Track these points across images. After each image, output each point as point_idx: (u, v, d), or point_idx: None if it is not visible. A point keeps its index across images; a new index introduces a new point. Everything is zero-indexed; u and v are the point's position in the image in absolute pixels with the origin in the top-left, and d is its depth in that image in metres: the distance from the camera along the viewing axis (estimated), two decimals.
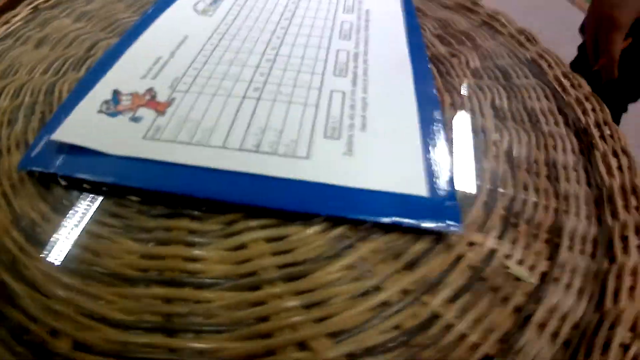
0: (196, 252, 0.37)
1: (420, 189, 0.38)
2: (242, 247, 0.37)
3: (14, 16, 0.67)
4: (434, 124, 0.44)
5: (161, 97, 0.46)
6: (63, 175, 0.41)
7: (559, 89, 0.53)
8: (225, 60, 0.51)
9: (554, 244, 0.38)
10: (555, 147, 0.46)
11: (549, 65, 0.57)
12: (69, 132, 0.43)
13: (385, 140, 0.42)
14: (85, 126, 0.43)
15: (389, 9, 0.63)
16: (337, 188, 0.38)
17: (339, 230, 0.37)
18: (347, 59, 0.52)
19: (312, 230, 0.37)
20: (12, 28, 0.66)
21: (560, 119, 0.50)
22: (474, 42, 0.61)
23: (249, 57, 0.52)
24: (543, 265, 0.37)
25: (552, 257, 0.37)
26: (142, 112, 0.45)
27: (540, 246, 0.38)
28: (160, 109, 0.45)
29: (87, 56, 0.57)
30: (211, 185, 0.39)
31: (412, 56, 0.53)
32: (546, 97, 0.52)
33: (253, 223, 0.38)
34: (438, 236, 0.37)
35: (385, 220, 0.36)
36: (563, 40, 1.11)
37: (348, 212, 0.37)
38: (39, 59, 0.59)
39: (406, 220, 0.36)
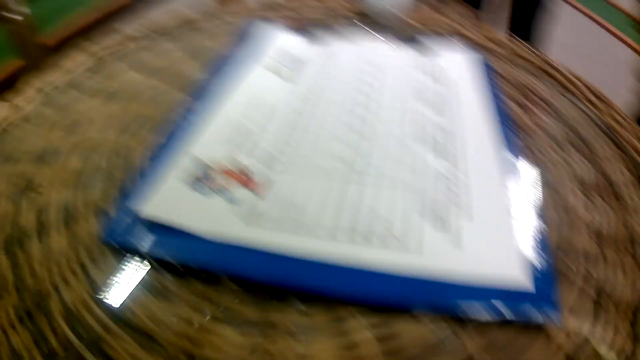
0: (305, 350, 0.35)
1: (522, 281, 0.38)
2: (353, 346, 0.35)
3: (75, 63, 0.65)
4: (527, 205, 0.44)
5: (257, 177, 0.44)
6: (154, 256, 0.39)
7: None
8: (319, 135, 0.50)
9: None
10: None
11: (627, 132, 0.57)
12: (158, 208, 0.41)
13: (488, 228, 0.41)
14: (176, 203, 0.42)
15: (470, 74, 0.61)
16: (446, 283, 0.37)
17: (446, 326, 0.36)
18: (443, 137, 0.50)
19: (420, 327, 0.36)
20: (74, 77, 0.64)
21: None
22: (555, 111, 0.60)
23: (342, 132, 0.50)
24: (630, 347, 0.36)
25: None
26: (239, 192, 0.43)
27: (628, 328, 0.37)
28: (259, 191, 0.43)
29: (165, 118, 0.55)
30: (319, 279, 0.37)
31: (500, 131, 0.52)
32: (628, 168, 0.52)
33: (363, 321, 0.36)
34: (538, 326, 0.37)
35: (492, 314, 0.36)
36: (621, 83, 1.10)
37: (456, 307, 0.36)
38: (111, 115, 0.57)
39: (510, 313, 0.36)
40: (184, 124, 0.51)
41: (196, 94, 0.58)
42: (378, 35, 0.63)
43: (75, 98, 0.61)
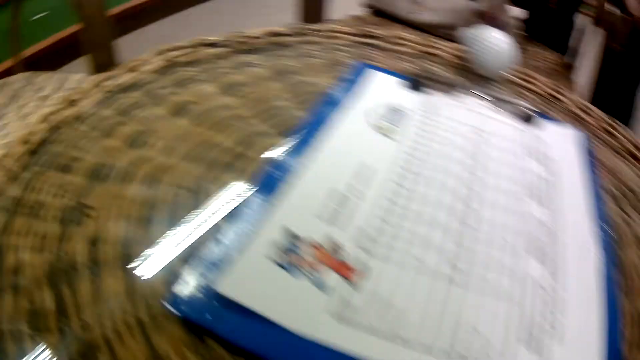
0: None
1: None
2: None
3: (142, 64, 0.58)
4: (623, 334, 0.38)
5: (352, 260, 0.38)
6: (223, 337, 0.33)
7: None
8: (420, 215, 0.43)
9: None
10: None
11: None
12: (236, 285, 0.35)
13: (576, 356, 0.36)
14: (256, 280, 0.36)
15: (573, 157, 0.54)
16: None
17: None
18: (545, 237, 0.44)
19: None
20: (141, 78, 0.57)
21: None
22: None
23: (445, 215, 0.44)
24: None
25: None
26: (331, 278, 0.37)
27: None
28: (353, 279, 0.37)
29: (242, 154, 0.48)
30: None
31: (598, 233, 0.45)
32: None
33: None
34: None
35: None
36: None
37: None
38: (179, 134, 0.50)
39: None
40: (270, 180, 0.44)
41: (281, 130, 0.51)
42: (480, 92, 0.57)
43: (139, 103, 0.54)
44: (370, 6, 1.35)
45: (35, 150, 0.48)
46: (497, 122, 0.54)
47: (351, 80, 0.58)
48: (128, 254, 0.39)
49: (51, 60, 2.07)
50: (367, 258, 0.38)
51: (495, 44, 0.60)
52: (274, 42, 0.65)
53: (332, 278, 0.36)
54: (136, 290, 0.37)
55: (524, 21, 1.28)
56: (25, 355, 0.33)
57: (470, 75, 0.62)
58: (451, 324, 0.35)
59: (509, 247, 0.42)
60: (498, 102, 0.55)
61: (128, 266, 0.38)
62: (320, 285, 0.36)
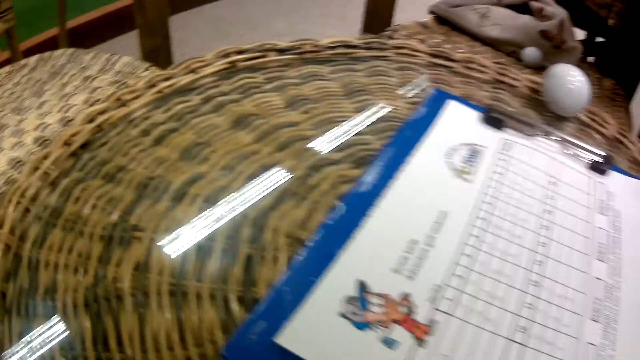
0: None
1: None
2: None
3: (203, 65, 0.53)
4: None
5: (420, 314, 0.35)
6: None
7: None
8: (488, 268, 0.40)
9: None
10: None
11: None
12: (296, 337, 0.32)
13: None
14: (318, 332, 0.33)
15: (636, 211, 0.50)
16: None
17: None
18: (607, 304, 0.40)
19: None
20: (200, 81, 0.53)
21: None
22: None
23: (512, 270, 0.40)
24: None
25: None
26: (397, 332, 0.33)
27: None
28: (419, 334, 0.34)
29: (313, 185, 0.43)
30: None
31: None
32: None
33: None
34: None
35: None
36: None
37: None
38: (241, 151, 0.46)
39: None
40: (342, 220, 0.40)
41: (357, 166, 0.46)
42: (554, 134, 0.53)
43: (196, 109, 0.49)
44: (436, 14, 1.31)
45: (78, 153, 0.42)
46: (570, 171, 0.51)
47: (429, 111, 0.53)
48: (178, 285, 0.35)
49: (97, 33, 2.04)
50: (434, 310, 0.36)
51: (574, 84, 0.57)
52: (344, 54, 0.58)
53: (397, 332, 0.34)
54: (186, 326, 0.33)
55: (582, 42, 1.22)
56: None
57: (543, 112, 0.59)
58: None
59: (571, 307, 0.39)
60: (571, 146, 0.52)
61: (178, 299, 0.34)
62: (384, 341, 0.33)
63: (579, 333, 0.37)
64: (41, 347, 0.32)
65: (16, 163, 0.75)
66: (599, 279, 0.41)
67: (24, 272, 0.36)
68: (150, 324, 0.33)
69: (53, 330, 0.33)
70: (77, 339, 0.32)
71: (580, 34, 1.26)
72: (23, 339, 0.32)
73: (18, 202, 0.40)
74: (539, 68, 1.13)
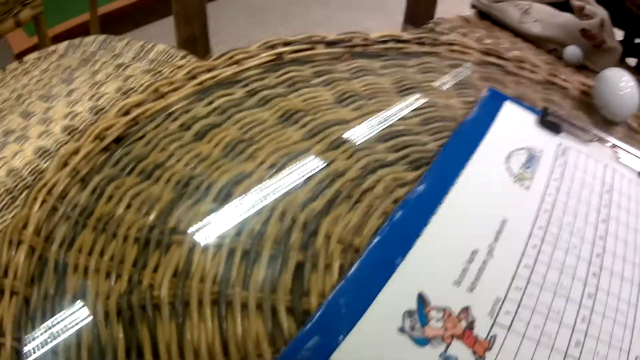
0: None
1: None
2: None
3: (247, 57, 0.50)
4: None
5: (480, 329, 0.33)
6: None
7: None
8: (548, 281, 0.38)
9: None
10: None
11: None
12: (355, 355, 0.30)
13: None
14: (378, 349, 0.31)
15: None
16: None
17: None
18: None
19: None
20: (245, 73, 0.49)
21: None
22: None
23: (572, 283, 0.39)
24: None
25: None
26: (457, 348, 0.32)
27: None
28: (479, 351, 0.32)
29: (367, 188, 0.40)
30: None
31: None
32: None
33: None
34: None
35: None
36: None
37: None
38: (284, 146, 0.42)
39: None
40: (400, 227, 0.37)
41: (413, 168, 0.43)
42: (608, 140, 0.51)
43: (240, 103, 0.46)
44: (478, 8, 1.31)
45: (111, 148, 0.38)
46: (623, 179, 0.50)
47: (484, 111, 0.50)
48: (222, 294, 0.32)
49: (129, 20, 2.01)
50: (493, 324, 0.34)
51: (626, 89, 0.56)
52: (394, 48, 0.54)
53: (460, 350, 0.32)
54: (230, 338, 0.30)
55: (621, 42, 1.20)
56: None
57: (593, 116, 0.56)
58: None
59: (623, 320, 0.38)
60: (624, 153, 0.51)
61: (221, 308, 0.31)
62: (446, 358, 0.31)
63: (630, 346, 0.36)
64: (68, 358, 0.29)
65: (43, 152, 0.71)
66: None
67: (50, 276, 0.33)
68: (190, 335, 0.30)
69: (82, 340, 0.30)
70: (108, 350, 0.30)
71: (619, 34, 1.24)
72: (48, 348, 0.30)
73: (44, 201, 0.36)
74: (580, 67, 1.13)
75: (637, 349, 0.35)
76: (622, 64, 1.25)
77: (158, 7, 2.03)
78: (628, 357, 0.35)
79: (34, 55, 1.00)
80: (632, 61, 1.32)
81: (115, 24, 1.95)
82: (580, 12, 1.20)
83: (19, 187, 0.68)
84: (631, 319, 0.37)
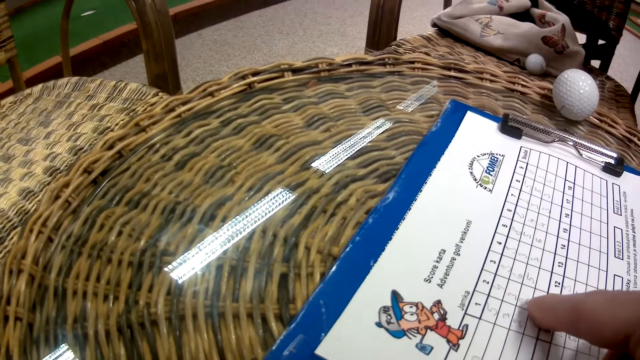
0: None
1: None
2: None
3: (220, 87, 0.53)
4: None
5: (452, 320, 0.36)
6: None
7: None
8: (514, 274, 0.40)
9: None
10: None
11: None
12: (337, 348, 0.32)
13: None
14: (357, 342, 0.33)
15: None
16: None
17: None
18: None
19: None
20: (218, 103, 0.52)
21: None
22: None
23: (538, 274, 0.41)
24: None
25: None
26: (432, 338, 0.34)
27: None
28: (453, 339, 0.35)
29: (340, 201, 0.43)
30: None
31: None
32: None
33: None
34: None
35: None
36: None
37: None
38: (260, 170, 0.45)
39: None
40: (372, 233, 0.40)
41: (382, 181, 0.46)
42: (568, 139, 0.54)
43: (216, 132, 0.49)
44: (438, 26, 1.34)
45: (98, 181, 0.41)
46: (586, 174, 0.53)
47: (447, 123, 0.54)
48: (214, 307, 0.35)
49: (99, 60, 2.04)
50: (467, 319, 0.36)
51: (584, 88, 0.58)
52: (358, 70, 0.58)
53: (432, 340, 0.34)
54: (225, 347, 0.33)
55: (584, 45, 1.22)
56: None
57: (555, 117, 0.60)
58: None
59: None
60: (586, 150, 0.53)
61: (215, 320, 0.34)
62: (422, 349, 0.34)
63: None
64: None
65: (27, 193, 0.74)
66: (617, 275, 0.42)
67: (51, 302, 0.35)
68: (188, 346, 0.33)
69: (85, 359, 0.32)
70: None
71: (582, 38, 1.26)
72: None
73: (40, 232, 0.38)
74: (543, 75, 1.15)
75: None
76: (586, 67, 1.30)
77: (121, 48, 2.07)
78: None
79: (10, 99, 1.02)
80: (597, 63, 1.36)
81: (85, 65, 1.97)
82: (541, 20, 1.23)
83: (6, 228, 0.70)
84: None
